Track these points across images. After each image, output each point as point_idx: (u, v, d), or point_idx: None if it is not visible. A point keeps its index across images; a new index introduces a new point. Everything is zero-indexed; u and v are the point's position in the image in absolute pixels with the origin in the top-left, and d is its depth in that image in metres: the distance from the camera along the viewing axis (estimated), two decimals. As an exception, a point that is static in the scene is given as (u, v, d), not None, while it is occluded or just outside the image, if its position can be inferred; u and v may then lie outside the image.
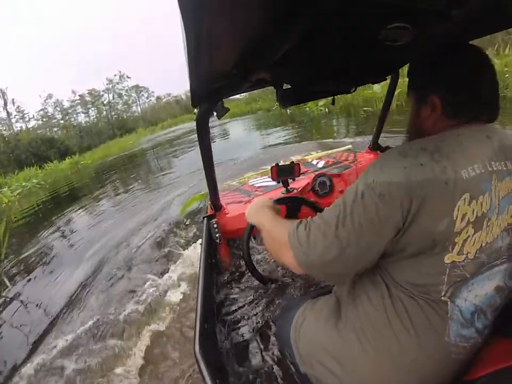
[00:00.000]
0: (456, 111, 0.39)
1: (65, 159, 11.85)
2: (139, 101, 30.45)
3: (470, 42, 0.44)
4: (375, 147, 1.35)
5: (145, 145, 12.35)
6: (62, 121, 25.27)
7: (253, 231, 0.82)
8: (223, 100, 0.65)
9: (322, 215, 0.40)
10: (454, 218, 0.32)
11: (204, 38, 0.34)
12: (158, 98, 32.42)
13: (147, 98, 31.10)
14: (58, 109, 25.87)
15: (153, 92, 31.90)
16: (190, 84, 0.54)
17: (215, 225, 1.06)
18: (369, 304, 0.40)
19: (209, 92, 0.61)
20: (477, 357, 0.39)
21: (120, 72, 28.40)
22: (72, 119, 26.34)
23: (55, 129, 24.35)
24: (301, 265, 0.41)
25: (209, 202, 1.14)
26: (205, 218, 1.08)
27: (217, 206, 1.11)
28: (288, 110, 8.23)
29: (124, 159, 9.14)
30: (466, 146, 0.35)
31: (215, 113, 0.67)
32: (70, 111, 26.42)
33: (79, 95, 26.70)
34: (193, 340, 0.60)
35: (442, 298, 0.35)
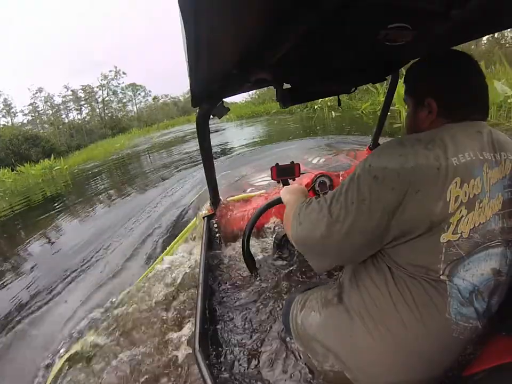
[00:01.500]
0: (451, 112, 0.42)
1: (48, 160, 9.90)
2: (135, 100, 29.72)
3: (470, 42, 0.46)
4: (375, 146, 1.36)
5: (132, 149, 9.89)
6: (52, 118, 24.32)
7: (252, 229, 0.82)
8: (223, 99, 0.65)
9: (325, 194, 0.44)
10: (448, 200, 0.35)
11: (204, 38, 0.34)
12: (155, 98, 31.48)
13: (143, 97, 30.18)
14: (49, 104, 24.88)
15: (150, 91, 30.81)
16: (190, 84, 0.53)
17: (215, 225, 1.06)
18: (372, 286, 0.42)
19: (209, 92, 0.61)
20: (478, 353, 0.40)
21: (115, 67, 27.72)
22: (63, 116, 25.41)
23: (46, 126, 23.36)
24: (294, 235, 0.45)
25: (209, 201, 1.14)
26: (205, 218, 1.07)
27: (217, 206, 1.11)
28: (332, 112, 5.73)
29: (106, 166, 7.25)
30: (458, 138, 0.38)
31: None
32: (61, 107, 25.43)
33: (72, 91, 25.62)
34: (193, 339, 0.60)
35: (441, 277, 0.37)
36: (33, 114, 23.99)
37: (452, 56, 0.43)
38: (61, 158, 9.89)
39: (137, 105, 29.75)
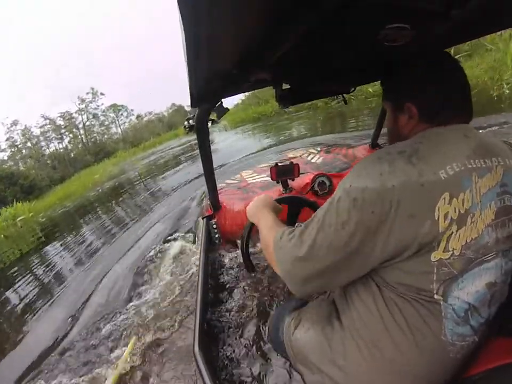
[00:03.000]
0: (433, 116, 0.40)
1: (28, 200, 7.81)
2: (118, 121, 29.05)
3: (469, 42, 0.47)
4: (375, 145, 1.38)
5: (114, 180, 7.43)
6: (33, 151, 23.32)
7: (252, 229, 0.81)
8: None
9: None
10: (436, 219, 0.33)
11: (203, 38, 0.33)
12: (139, 116, 31.21)
13: (126, 117, 29.66)
14: (27, 137, 23.84)
15: (132, 110, 30.48)
16: (189, 84, 0.53)
17: (214, 226, 1.06)
18: (362, 306, 0.40)
19: (209, 92, 0.61)
20: (475, 356, 0.39)
21: (92, 89, 26.59)
22: (44, 148, 24.44)
23: (28, 160, 22.15)
24: (279, 268, 0.41)
25: (208, 202, 1.13)
26: (204, 218, 1.08)
27: (216, 207, 1.11)
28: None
29: (77, 212, 4.96)
30: (444, 146, 0.36)
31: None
32: (41, 138, 24.50)
33: (49, 119, 24.87)
34: (192, 339, 0.60)
35: (435, 297, 0.35)
36: (12, 150, 23.00)
37: (429, 56, 0.42)
38: (22, 203, 7.54)
39: (121, 126, 29.32)
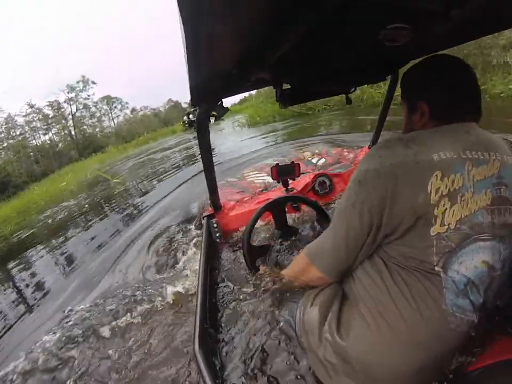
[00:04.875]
0: (442, 114, 0.44)
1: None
2: (111, 113, 26.80)
3: (469, 42, 0.48)
4: None
5: (79, 197, 4.89)
6: (13, 141, 21.25)
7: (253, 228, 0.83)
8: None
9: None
10: (429, 192, 0.37)
11: (203, 38, 0.33)
12: (134, 110, 28.84)
13: (120, 110, 27.32)
14: (10, 126, 21.94)
15: (127, 103, 28.07)
16: (190, 84, 0.52)
17: (214, 225, 1.05)
18: (368, 279, 0.44)
19: (209, 91, 0.61)
20: (480, 350, 0.41)
21: (83, 77, 23.83)
22: (29, 139, 22.68)
23: (7, 152, 20.20)
24: (320, 270, 0.48)
25: (209, 201, 1.13)
26: (205, 218, 1.08)
27: (217, 206, 1.11)
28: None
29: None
30: (440, 137, 0.41)
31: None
32: (26, 128, 22.50)
33: (36, 108, 22.70)
34: (193, 339, 0.59)
35: (435, 268, 0.38)
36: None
37: (442, 61, 0.46)
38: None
39: (115, 119, 27.50)
